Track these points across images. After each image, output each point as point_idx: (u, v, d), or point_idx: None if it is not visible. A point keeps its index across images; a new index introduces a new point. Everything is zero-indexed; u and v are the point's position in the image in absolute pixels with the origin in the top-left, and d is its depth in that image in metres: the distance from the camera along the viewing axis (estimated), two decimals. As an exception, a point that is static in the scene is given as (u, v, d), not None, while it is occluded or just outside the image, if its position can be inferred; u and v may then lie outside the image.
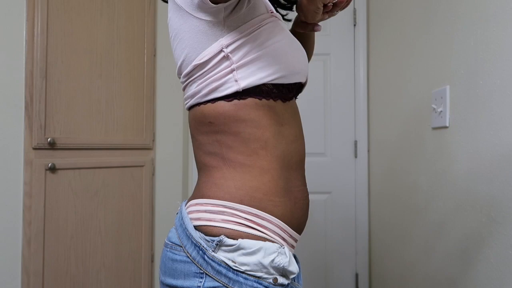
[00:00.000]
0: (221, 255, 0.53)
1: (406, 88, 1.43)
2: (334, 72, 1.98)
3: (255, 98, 0.58)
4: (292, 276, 0.57)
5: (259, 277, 0.54)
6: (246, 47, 0.57)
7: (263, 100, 0.58)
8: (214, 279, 0.53)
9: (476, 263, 0.97)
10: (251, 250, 0.54)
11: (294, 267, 0.56)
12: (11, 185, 1.40)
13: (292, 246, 0.61)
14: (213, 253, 0.54)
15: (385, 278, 1.68)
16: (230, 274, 0.53)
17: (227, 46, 0.56)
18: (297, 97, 0.67)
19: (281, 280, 0.55)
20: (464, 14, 1.03)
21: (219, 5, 0.55)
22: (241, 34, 0.57)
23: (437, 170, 1.18)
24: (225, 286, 0.53)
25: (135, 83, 1.82)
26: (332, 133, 1.98)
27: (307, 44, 0.83)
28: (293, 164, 0.61)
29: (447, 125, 1.10)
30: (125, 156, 1.78)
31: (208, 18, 0.56)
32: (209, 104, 0.59)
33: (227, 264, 0.53)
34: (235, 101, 0.58)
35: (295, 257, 0.64)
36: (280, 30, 0.60)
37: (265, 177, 0.58)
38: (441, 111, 1.13)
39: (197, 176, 2.25)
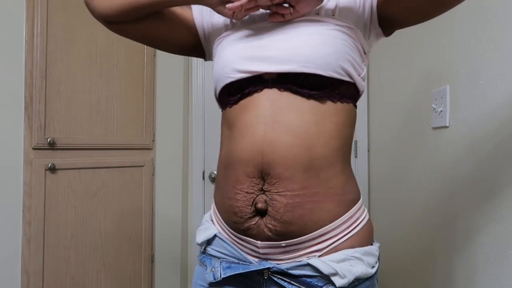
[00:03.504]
0: None
1: (406, 88, 1.43)
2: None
3: (221, 110, 0.73)
4: (198, 243, 0.73)
5: None
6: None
7: (222, 111, 0.73)
8: None
9: (476, 263, 0.97)
10: None
11: (198, 238, 0.73)
12: (11, 185, 1.40)
13: (227, 232, 0.69)
14: None
15: (385, 278, 1.68)
16: None
17: None
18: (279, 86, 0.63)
19: (203, 246, 0.73)
20: (464, 14, 1.03)
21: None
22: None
23: (437, 170, 1.18)
24: None
25: (135, 83, 1.82)
26: (332, 133, 1.97)
27: None
28: (230, 163, 0.66)
29: (447, 125, 1.10)
30: (125, 156, 1.78)
31: None
32: None
33: None
34: None
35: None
36: (219, 51, 0.70)
37: (218, 173, 0.73)
38: (441, 111, 1.13)
39: (196, 176, 2.23)
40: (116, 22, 0.73)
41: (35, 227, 1.45)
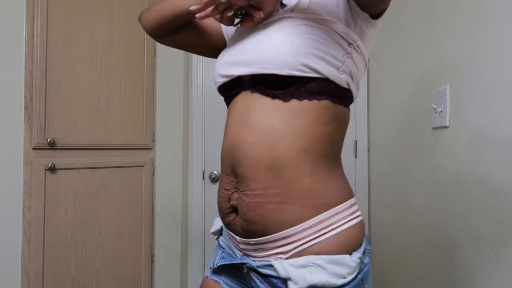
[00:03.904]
0: None
1: (406, 88, 1.43)
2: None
3: None
4: (211, 232, 0.81)
5: None
6: None
7: None
8: None
9: (476, 263, 0.97)
10: None
11: (212, 228, 0.80)
12: (11, 185, 1.40)
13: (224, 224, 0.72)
14: None
15: (385, 278, 1.68)
16: None
17: None
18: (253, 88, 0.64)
19: (216, 236, 0.81)
20: (464, 14, 1.03)
21: None
22: None
23: (437, 170, 1.18)
24: None
25: (135, 83, 1.82)
26: (332, 133, 1.97)
27: None
28: (221, 159, 0.69)
29: (447, 125, 1.10)
30: (125, 156, 1.78)
31: None
32: None
33: None
34: None
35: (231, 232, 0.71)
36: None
37: None
38: (441, 111, 1.13)
39: (196, 176, 2.23)
40: (158, 35, 0.82)
41: (35, 227, 1.45)
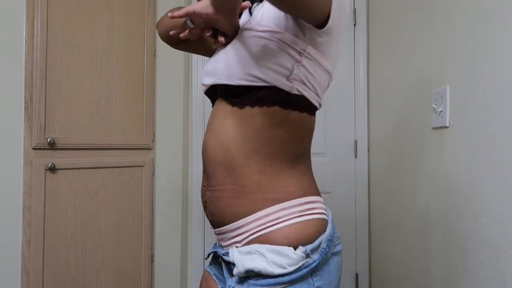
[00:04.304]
0: None
1: (406, 88, 1.43)
2: (334, 72, 1.98)
3: None
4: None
5: None
6: None
7: None
8: None
9: (476, 263, 0.97)
10: None
11: None
12: (11, 185, 1.40)
13: None
14: None
15: (385, 278, 1.68)
16: None
17: None
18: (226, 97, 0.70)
19: None
20: (464, 14, 1.03)
21: None
22: None
23: (437, 170, 1.18)
24: None
25: (135, 83, 1.82)
26: (332, 133, 1.97)
27: None
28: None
29: (447, 125, 1.10)
30: (125, 156, 1.78)
31: None
32: None
33: None
34: None
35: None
36: None
37: None
38: (441, 111, 1.13)
39: (196, 176, 2.22)
40: (170, 44, 0.91)
41: (35, 227, 1.45)
